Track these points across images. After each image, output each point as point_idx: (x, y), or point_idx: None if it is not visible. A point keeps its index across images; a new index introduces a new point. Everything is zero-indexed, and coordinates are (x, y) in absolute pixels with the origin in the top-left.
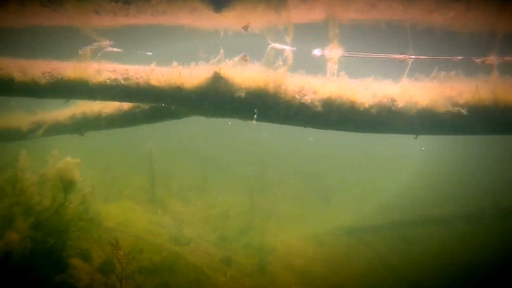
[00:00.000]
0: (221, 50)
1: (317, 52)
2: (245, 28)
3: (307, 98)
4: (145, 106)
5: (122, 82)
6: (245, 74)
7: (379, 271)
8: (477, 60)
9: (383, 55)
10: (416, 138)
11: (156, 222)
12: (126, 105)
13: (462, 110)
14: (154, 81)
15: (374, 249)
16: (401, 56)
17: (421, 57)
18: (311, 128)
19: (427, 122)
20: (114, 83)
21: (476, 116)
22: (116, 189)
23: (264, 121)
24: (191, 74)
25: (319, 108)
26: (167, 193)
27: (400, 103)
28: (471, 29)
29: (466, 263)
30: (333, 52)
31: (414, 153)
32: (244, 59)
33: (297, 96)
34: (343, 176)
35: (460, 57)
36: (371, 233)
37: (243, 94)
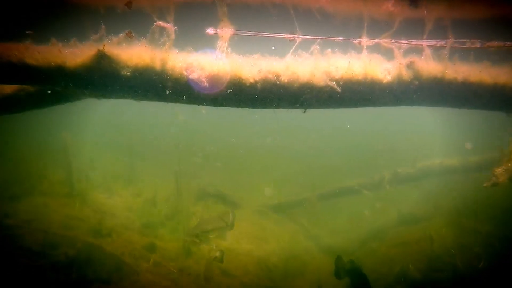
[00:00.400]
0: (102, 26)
1: (210, 30)
2: (128, 5)
3: (195, 75)
4: (31, 88)
5: None
6: (131, 52)
7: (302, 241)
8: (354, 41)
9: (272, 34)
10: (304, 112)
11: (74, 216)
12: (8, 88)
13: (338, 84)
14: (30, 60)
15: (299, 222)
16: (290, 36)
17: (308, 37)
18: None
19: (308, 95)
20: None
21: (349, 89)
22: (27, 185)
23: (156, 100)
24: (73, 52)
25: (206, 84)
26: (89, 185)
27: (284, 78)
28: (343, 13)
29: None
30: (224, 31)
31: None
32: (129, 35)
33: (184, 72)
34: (269, 157)
35: (340, 38)
36: (297, 208)
37: (129, 73)
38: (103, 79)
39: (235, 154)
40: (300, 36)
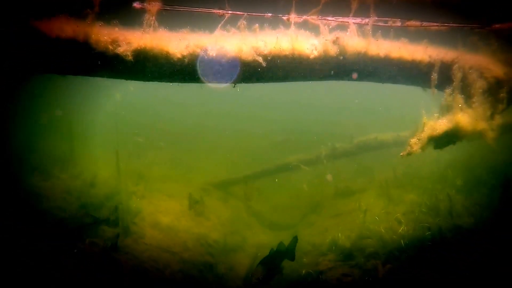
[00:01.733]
0: None
1: (137, 4)
2: None
3: (120, 49)
4: None
5: None
6: (52, 24)
7: (244, 217)
8: (283, 18)
9: (201, 9)
10: (234, 87)
11: None
12: None
13: (265, 59)
14: None
15: (241, 198)
16: (220, 11)
17: (237, 12)
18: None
19: (235, 70)
20: None
21: (276, 64)
22: None
23: (83, 75)
24: None
25: (130, 58)
26: (24, 169)
27: (212, 52)
28: None
29: None
30: (152, 5)
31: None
32: None
33: (110, 47)
34: (212, 137)
35: (269, 14)
36: (239, 185)
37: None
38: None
39: (179, 134)
40: (229, 12)
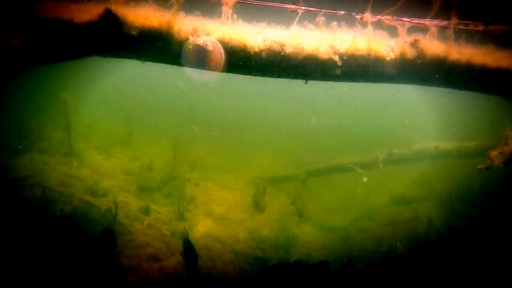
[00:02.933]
0: None
1: None
2: None
3: (200, 40)
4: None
5: None
6: (138, 13)
7: (290, 214)
8: (357, 16)
9: (275, 4)
10: (306, 83)
11: (72, 175)
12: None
13: (342, 58)
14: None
15: (292, 197)
16: (293, 6)
17: (311, 9)
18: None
19: (313, 68)
20: None
21: (353, 64)
22: (26, 142)
23: (160, 62)
24: (81, 9)
25: (211, 49)
26: (87, 146)
27: (289, 49)
28: None
29: None
30: None
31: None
32: None
33: (190, 37)
34: (267, 131)
35: (342, 12)
36: (289, 182)
37: (135, 33)
38: (108, 38)
39: (234, 125)
40: (303, 7)
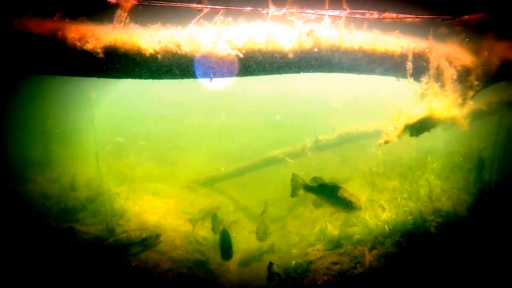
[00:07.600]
0: None
1: None
2: None
3: (89, 46)
4: None
5: None
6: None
7: (232, 212)
8: (263, 11)
9: (181, 5)
10: (210, 81)
11: None
12: None
13: (239, 52)
14: None
15: (228, 195)
16: (198, 6)
17: (216, 7)
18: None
19: (210, 65)
20: None
21: (251, 57)
22: None
23: (51, 74)
24: None
25: (102, 55)
26: None
27: (186, 47)
28: None
29: None
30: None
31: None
32: None
33: (78, 43)
34: (198, 131)
35: (248, 8)
36: (224, 181)
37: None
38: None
39: (162, 132)
40: (208, 6)
